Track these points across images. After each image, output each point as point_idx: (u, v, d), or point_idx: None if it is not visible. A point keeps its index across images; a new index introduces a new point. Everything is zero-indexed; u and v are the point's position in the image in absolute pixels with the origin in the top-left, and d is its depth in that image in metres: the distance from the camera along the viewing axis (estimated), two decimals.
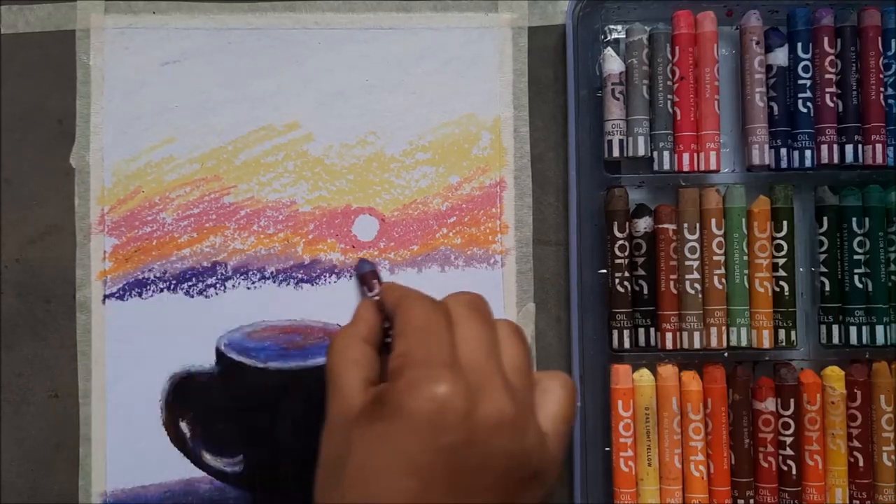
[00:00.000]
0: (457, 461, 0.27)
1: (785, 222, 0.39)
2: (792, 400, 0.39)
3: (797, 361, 0.40)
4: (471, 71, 0.42)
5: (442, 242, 0.41)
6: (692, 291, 0.39)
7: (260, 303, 0.40)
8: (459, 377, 0.28)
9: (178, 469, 0.40)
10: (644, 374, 0.39)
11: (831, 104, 0.40)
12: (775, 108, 0.40)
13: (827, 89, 0.40)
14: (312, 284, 0.41)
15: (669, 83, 0.40)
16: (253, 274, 0.41)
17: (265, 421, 0.40)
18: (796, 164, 0.40)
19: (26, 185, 0.41)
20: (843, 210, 0.40)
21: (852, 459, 0.39)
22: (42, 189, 0.41)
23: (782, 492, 0.39)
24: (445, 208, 0.41)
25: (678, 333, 0.39)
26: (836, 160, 0.40)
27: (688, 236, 0.40)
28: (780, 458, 0.39)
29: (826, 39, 0.40)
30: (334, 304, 0.40)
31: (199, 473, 0.40)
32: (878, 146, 0.39)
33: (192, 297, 0.41)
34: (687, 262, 0.40)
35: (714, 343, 0.39)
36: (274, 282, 0.41)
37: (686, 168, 0.39)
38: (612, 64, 0.40)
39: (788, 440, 0.39)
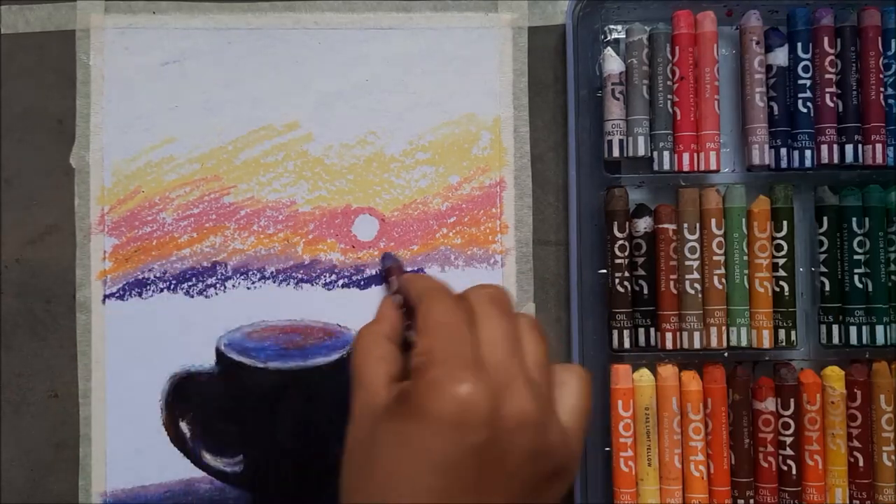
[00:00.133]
0: (481, 460, 0.27)
1: (785, 222, 0.39)
2: (792, 400, 0.39)
3: (797, 361, 0.40)
4: (471, 71, 0.42)
5: (442, 242, 0.41)
6: (692, 291, 0.39)
7: (260, 303, 0.40)
8: (482, 376, 0.28)
9: (178, 469, 0.40)
10: (644, 374, 0.39)
11: (831, 104, 0.40)
12: (775, 108, 0.40)
13: (827, 89, 0.40)
14: (312, 284, 0.41)
15: (669, 83, 0.40)
16: (253, 274, 0.41)
17: (265, 421, 0.40)
18: (796, 164, 0.40)
19: (26, 185, 0.41)
20: (843, 210, 0.40)
21: (852, 459, 0.39)
22: (42, 189, 0.41)
23: (782, 492, 0.39)
24: (445, 208, 0.41)
25: (678, 333, 0.39)
26: (836, 160, 0.40)
27: (688, 236, 0.40)
28: (780, 458, 0.39)
29: (826, 39, 0.40)
30: (334, 305, 0.41)
31: (199, 473, 0.40)
32: (878, 146, 0.39)
33: (192, 297, 0.41)
34: (687, 262, 0.40)
35: (714, 343, 0.39)
36: (274, 282, 0.41)
37: (686, 168, 0.39)
38: (612, 64, 0.40)
39: (788, 440, 0.39)
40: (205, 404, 0.40)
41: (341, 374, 0.40)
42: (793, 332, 0.39)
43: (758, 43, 0.40)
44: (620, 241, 0.40)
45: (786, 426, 0.39)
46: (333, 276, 0.41)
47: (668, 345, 0.39)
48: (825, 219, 0.40)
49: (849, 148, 0.40)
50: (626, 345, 0.39)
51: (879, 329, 0.39)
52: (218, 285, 0.41)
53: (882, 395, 0.39)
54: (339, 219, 0.41)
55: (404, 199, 0.41)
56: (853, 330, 0.39)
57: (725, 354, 0.40)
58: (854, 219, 0.39)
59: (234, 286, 0.41)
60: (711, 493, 0.39)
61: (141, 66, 0.41)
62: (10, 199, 0.41)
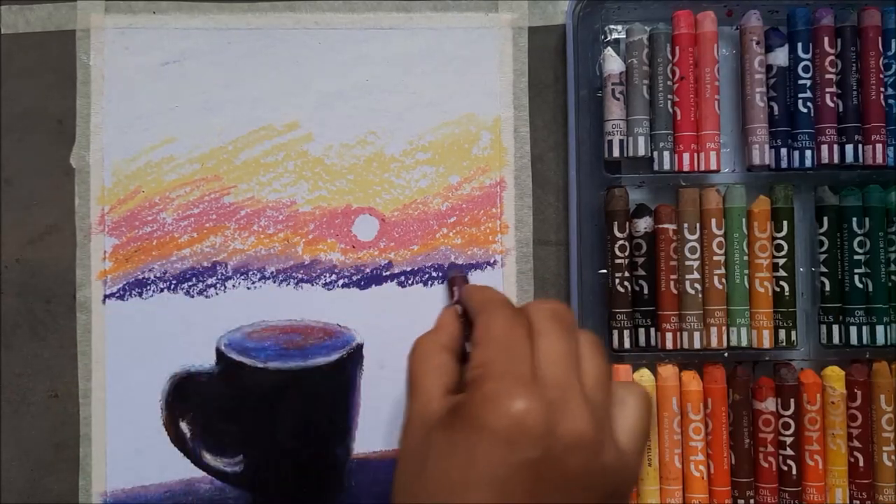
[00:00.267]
0: (534, 477, 0.27)
1: (785, 222, 0.39)
2: (792, 400, 0.39)
3: (797, 361, 0.40)
4: (471, 71, 0.42)
5: (442, 242, 0.41)
6: (692, 291, 0.39)
7: (260, 303, 0.40)
8: (538, 392, 0.28)
9: (178, 469, 0.40)
10: (644, 374, 0.39)
11: (831, 104, 0.40)
12: (775, 108, 0.40)
13: (827, 89, 0.40)
14: (312, 284, 0.41)
15: (669, 83, 0.40)
16: (253, 274, 0.41)
17: (265, 421, 0.40)
18: (796, 164, 0.40)
19: (26, 185, 0.41)
20: (843, 210, 0.40)
21: (852, 459, 0.39)
22: (42, 189, 0.41)
23: (782, 492, 0.39)
24: (445, 208, 0.41)
25: (678, 333, 0.39)
26: (836, 160, 0.40)
27: (688, 236, 0.40)
28: (781, 458, 0.39)
29: (826, 39, 0.40)
30: (334, 305, 0.41)
31: (199, 473, 0.40)
32: (878, 146, 0.39)
33: (193, 297, 0.41)
34: (687, 262, 0.40)
35: (714, 343, 0.39)
36: (274, 282, 0.41)
37: (686, 168, 0.39)
38: (612, 64, 0.40)
39: (788, 440, 0.39)
40: (205, 404, 0.40)
41: (341, 374, 0.40)
42: (793, 332, 0.39)
43: (758, 43, 0.40)
44: (620, 241, 0.40)
45: (786, 426, 0.39)
46: (333, 276, 0.41)
47: (669, 345, 0.39)
48: (825, 219, 0.40)
49: (849, 148, 0.40)
50: (627, 345, 0.39)
51: (879, 329, 0.39)
52: (218, 285, 0.41)
53: (882, 395, 0.39)
54: (339, 219, 0.41)
55: (404, 199, 0.41)
56: (853, 330, 0.39)
57: (725, 354, 0.40)
58: (854, 219, 0.39)
59: (234, 286, 0.41)
60: (711, 494, 0.39)
61: (141, 66, 0.41)
62: (10, 199, 0.41)
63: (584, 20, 0.40)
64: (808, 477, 0.39)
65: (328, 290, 0.41)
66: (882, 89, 0.39)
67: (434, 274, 0.41)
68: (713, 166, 0.39)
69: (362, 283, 0.41)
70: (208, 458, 0.40)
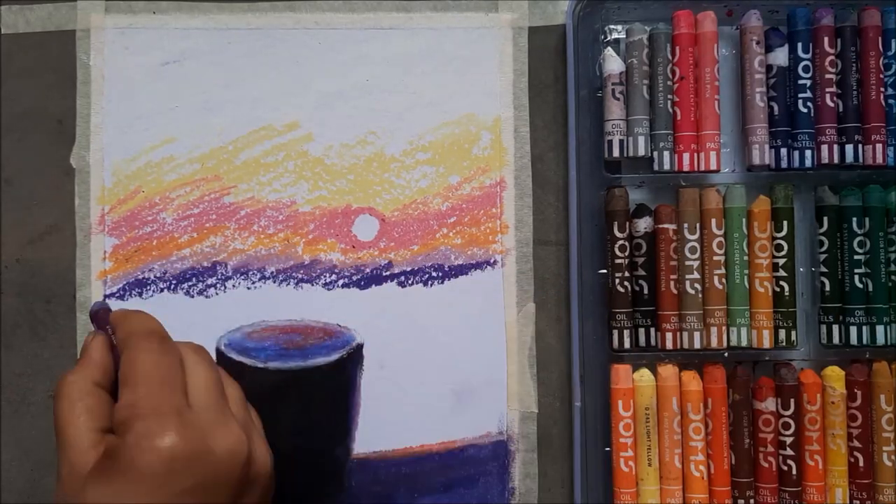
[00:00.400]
0: (200, 498, 0.28)
1: (785, 222, 0.39)
2: (792, 400, 0.39)
3: (797, 361, 0.40)
4: (471, 71, 0.42)
5: (442, 242, 0.41)
6: (692, 291, 0.39)
7: (260, 303, 0.40)
8: (190, 420, 0.29)
9: None
10: (644, 374, 0.39)
11: (831, 104, 0.40)
12: (775, 108, 0.40)
13: (827, 89, 0.40)
14: (312, 284, 0.41)
15: (669, 83, 0.40)
16: (253, 274, 0.41)
17: (265, 421, 0.40)
18: (796, 164, 0.40)
19: (26, 185, 0.41)
20: (843, 210, 0.40)
21: (852, 459, 0.39)
22: (42, 189, 0.41)
23: (782, 492, 0.39)
24: (445, 208, 0.41)
25: (678, 333, 0.39)
26: (836, 160, 0.40)
27: (688, 236, 0.40)
28: (781, 458, 0.39)
29: (826, 39, 0.40)
30: (334, 305, 0.41)
31: None
32: (878, 146, 0.39)
33: (193, 297, 0.41)
34: (687, 262, 0.40)
35: (714, 343, 0.39)
36: (274, 282, 0.41)
37: (686, 168, 0.39)
38: (612, 64, 0.40)
39: (788, 440, 0.39)
40: None
41: (341, 374, 0.40)
42: (793, 332, 0.39)
43: (758, 43, 0.40)
44: (620, 241, 0.40)
45: (786, 426, 0.39)
46: (333, 276, 0.41)
47: (669, 345, 0.39)
48: (825, 219, 0.40)
49: (849, 148, 0.40)
50: (627, 345, 0.39)
51: (879, 329, 0.39)
52: (218, 285, 0.41)
53: (882, 395, 0.39)
54: (339, 219, 0.41)
55: (404, 199, 0.41)
56: (853, 330, 0.39)
57: (725, 354, 0.40)
58: (854, 219, 0.39)
59: (234, 286, 0.41)
60: (711, 493, 0.39)
61: (141, 66, 0.41)
62: (10, 199, 0.41)
63: (584, 20, 0.40)
64: (808, 477, 0.39)
65: (328, 290, 0.41)
66: (882, 89, 0.39)
67: (434, 274, 0.41)
68: (713, 166, 0.39)
69: (362, 283, 0.41)
70: None
